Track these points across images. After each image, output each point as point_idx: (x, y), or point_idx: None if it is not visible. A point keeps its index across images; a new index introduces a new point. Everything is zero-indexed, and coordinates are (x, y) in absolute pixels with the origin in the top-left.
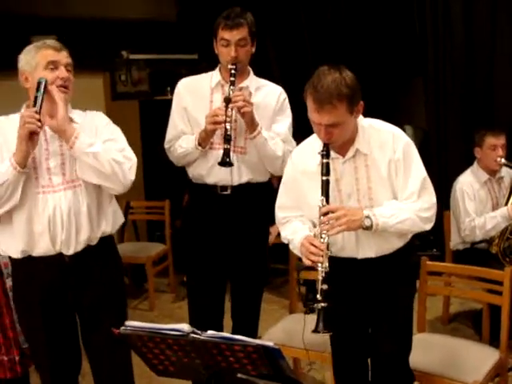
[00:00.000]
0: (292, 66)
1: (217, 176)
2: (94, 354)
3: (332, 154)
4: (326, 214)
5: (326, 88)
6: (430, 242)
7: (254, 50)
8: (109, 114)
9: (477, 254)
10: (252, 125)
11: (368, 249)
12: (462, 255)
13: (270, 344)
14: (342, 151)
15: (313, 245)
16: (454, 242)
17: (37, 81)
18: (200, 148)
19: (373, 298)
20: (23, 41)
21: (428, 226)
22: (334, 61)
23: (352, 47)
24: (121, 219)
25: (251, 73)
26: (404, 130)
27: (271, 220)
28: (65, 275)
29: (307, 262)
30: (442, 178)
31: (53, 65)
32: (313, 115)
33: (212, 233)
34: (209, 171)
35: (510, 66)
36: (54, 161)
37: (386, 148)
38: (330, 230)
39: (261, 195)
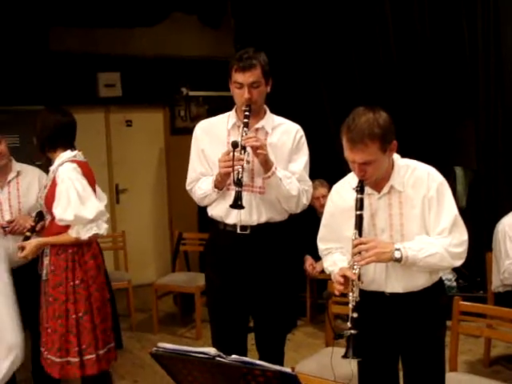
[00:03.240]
0: (343, 107)
1: (236, 217)
2: None
3: (368, 189)
4: (357, 246)
5: (359, 128)
6: (476, 284)
7: (269, 89)
8: (167, 148)
9: None
10: (266, 165)
11: (396, 283)
12: (504, 297)
13: (288, 370)
14: (378, 187)
15: (344, 275)
16: (495, 285)
17: None
18: (217, 190)
19: (401, 334)
20: (90, 77)
21: (458, 263)
22: (386, 102)
23: (404, 89)
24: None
25: (267, 112)
26: (454, 171)
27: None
28: None
29: (338, 291)
30: (492, 220)
31: None
32: (347, 153)
33: (232, 272)
34: (228, 212)
35: None
36: None
37: (421, 186)
38: (361, 261)
39: (279, 234)
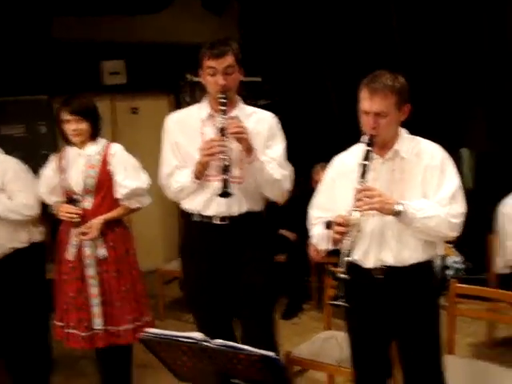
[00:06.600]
0: (347, 91)
1: (216, 208)
2: None
3: (373, 154)
4: (362, 191)
5: (381, 80)
6: (483, 266)
7: (241, 77)
8: None
9: None
10: (249, 150)
11: (389, 252)
12: (507, 279)
13: (271, 354)
14: (382, 152)
15: (343, 218)
16: (499, 266)
17: None
18: (197, 181)
19: (393, 316)
20: (94, 65)
21: (452, 234)
22: None
23: (412, 73)
24: None
25: (240, 101)
26: (460, 153)
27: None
28: None
29: (335, 236)
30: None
31: None
32: (364, 103)
33: (211, 263)
34: (206, 204)
35: None
36: None
37: (425, 155)
38: (364, 206)
39: (259, 224)
